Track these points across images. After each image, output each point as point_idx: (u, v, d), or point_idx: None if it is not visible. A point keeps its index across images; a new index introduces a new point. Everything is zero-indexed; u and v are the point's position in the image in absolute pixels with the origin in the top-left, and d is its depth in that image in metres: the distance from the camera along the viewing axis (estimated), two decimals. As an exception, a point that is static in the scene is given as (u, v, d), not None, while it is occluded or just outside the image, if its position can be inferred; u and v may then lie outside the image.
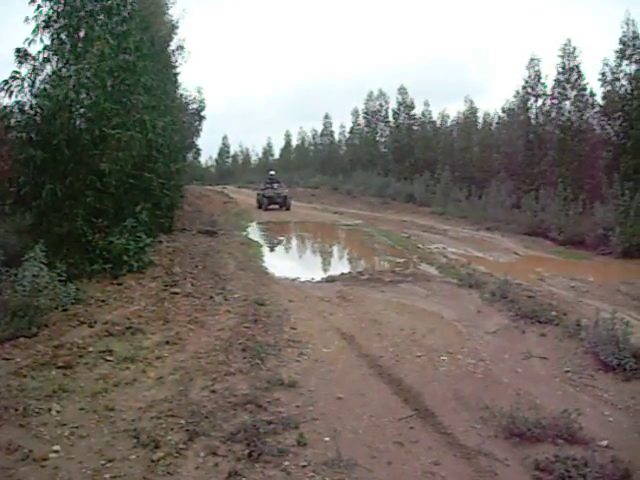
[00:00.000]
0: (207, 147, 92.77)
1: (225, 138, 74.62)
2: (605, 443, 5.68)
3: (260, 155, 75.92)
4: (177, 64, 28.76)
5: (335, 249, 22.08)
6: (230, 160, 75.87)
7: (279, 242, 22.50)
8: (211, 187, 45.89)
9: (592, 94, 30.74)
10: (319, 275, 15.07)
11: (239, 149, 77.43)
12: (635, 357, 7.82)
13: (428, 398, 6.85)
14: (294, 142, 70.95)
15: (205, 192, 37.67)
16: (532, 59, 32.51)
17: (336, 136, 62.62)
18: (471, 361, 8.26)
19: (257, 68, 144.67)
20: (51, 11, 12.70)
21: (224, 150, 74.73)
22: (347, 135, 59.88)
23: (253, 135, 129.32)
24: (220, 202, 33.72)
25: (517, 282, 12.93)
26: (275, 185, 34.03)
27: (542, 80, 32.37)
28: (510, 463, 5.32)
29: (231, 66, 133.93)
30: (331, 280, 14.03)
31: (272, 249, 20.26)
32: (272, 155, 74.31)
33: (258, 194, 34.32)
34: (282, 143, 72.78)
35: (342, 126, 61.46)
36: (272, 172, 36.86)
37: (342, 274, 14.68)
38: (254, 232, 23.31)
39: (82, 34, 12.99)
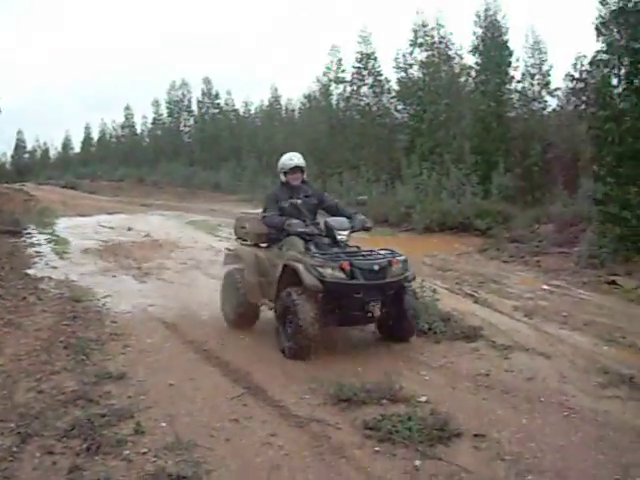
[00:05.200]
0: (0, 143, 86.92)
1: (20, 133, 70.27)
2: (424, 399, 6.21)
3: (60, 149, 72.36)
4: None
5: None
6: (27, 156, 71.56)
7: (87, 240, 21.40)
8: (8, 185, 42.98)
9: (387, 80, 32.88)
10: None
11: (37, 144, 73.30)
12: (443, 321, 8.68)
13: (257, 377, 7.06)
14: (95, 135, 68.42)
15: (3, 190, 35.22)
16: (333, 47, 34.10)
17: (138, 127, 61.31)
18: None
19: (50, 62, 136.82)
20: None
21: (20, 146, 70.34)
22: (150, 126, 58.77)
23: (52, 129, 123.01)
24: (21, 200, 31.75)
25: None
26: (298, 199, 8.88)
27: (342, 67, 34.02)
28: (341, 426, 5.66)
29: (21, 61, 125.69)
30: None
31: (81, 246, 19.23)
32: (72, 149, 71.15)
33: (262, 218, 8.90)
34: (82, 136, 69.83)
35: (144, 117, 60.35)
36: (294, 160, 8.90)
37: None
38: (60, 229, 22.10)
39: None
